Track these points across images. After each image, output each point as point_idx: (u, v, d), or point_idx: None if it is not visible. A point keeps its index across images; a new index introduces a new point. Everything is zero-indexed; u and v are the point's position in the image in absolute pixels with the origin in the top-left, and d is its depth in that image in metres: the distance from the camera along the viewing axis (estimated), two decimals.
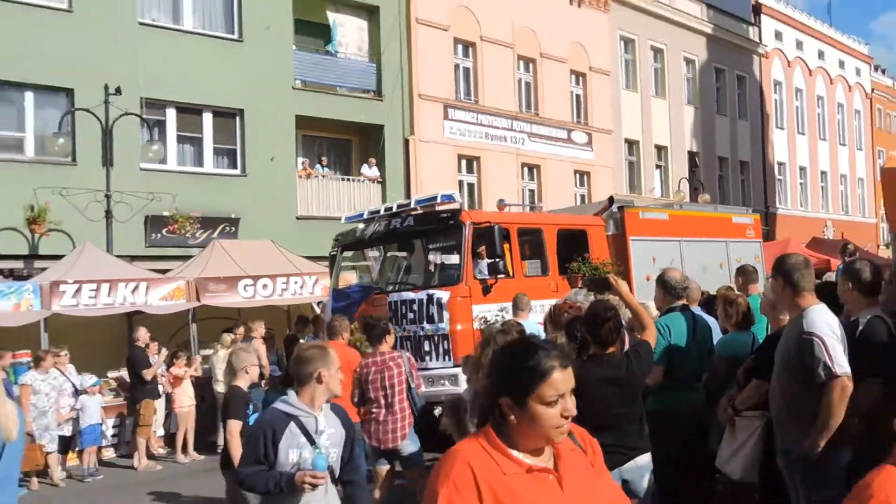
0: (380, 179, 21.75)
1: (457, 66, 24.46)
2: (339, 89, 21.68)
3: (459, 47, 24.57)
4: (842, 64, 43.08)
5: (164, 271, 14.86)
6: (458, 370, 9.30)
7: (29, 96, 16.85)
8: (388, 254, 12.63)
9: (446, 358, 10.02)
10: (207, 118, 19.33)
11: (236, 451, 5.23)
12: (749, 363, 5.45)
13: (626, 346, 5.31)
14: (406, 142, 22.59)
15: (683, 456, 5.70)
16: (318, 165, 21.47)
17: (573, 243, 11.78)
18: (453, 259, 11.57)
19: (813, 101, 40.26)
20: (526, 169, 25.86)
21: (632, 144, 30.01)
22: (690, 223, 13.74)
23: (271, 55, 19.88)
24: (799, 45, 39.69)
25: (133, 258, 15.91)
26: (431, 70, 23.30)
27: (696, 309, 6.86)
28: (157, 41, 18.15)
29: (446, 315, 10.02)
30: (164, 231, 17.03)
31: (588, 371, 4.68)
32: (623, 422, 4.69)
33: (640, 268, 12.13)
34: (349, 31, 22.40)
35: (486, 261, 10.29)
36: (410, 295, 10.51)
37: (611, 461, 4.55)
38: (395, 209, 11.44)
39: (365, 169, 21.75)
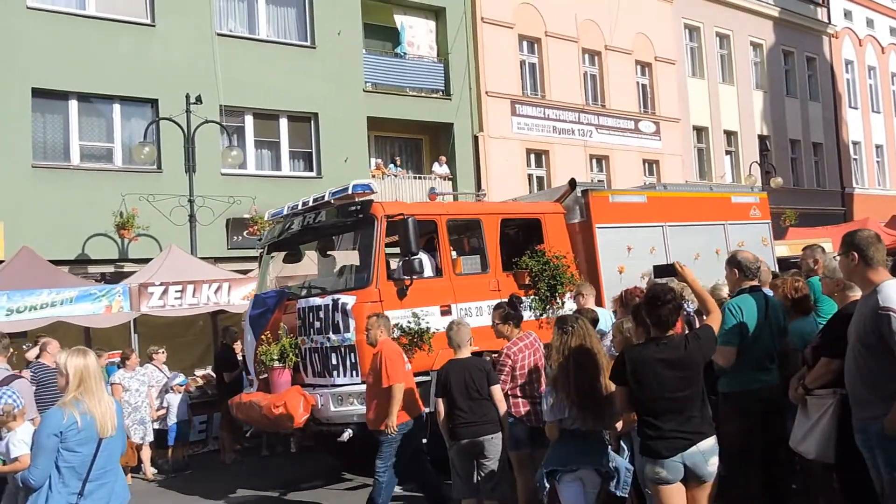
0: (450, 176, 21.53)
1: (522, 63, 24.06)
2: (409, 90, 21.58)
3: (525, 44, 24.17)
4: None
5: (245, 271, 14.92)
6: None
7: (116, 108, 17.19)
8: (305, 254, 10.80)
9: (353, 373, 8.34)
10: (283, 123, 19.43)
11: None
12: (817, 341, 5.20)
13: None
14: (475, 139, 22.32)
15: (758, 436, 5.50)
16: (391, 165, 21.37)
17: (527, 235, 10.30)
18: (368, 258, 9.57)
19: (887, 79, 38.39)
20: (594, 160, 25.29)
21: (700, 131, 29.09)
22: (676, 206, 11.75)
23: (342, 60, 19.89)
24: (870, 23, 37.87)
25: (216, 259, 16.07)
26: (498, 67, 23.00)
27: (767, 290, 6.43)
28: (234, 51, 18.32)
29: (352, 323, 8.32)
30: (244, 233, 17.12)
31: (645, 353, 4.52)
32: (684, 406, 4.45)
33: (611, 258, 10.45)
34: (417, 33, 22.24)
35: (415, 258, 8.68)
36: (317, 300, 8.88)
37: (672, 446, 4.34)
38: (311, 203, 9.63)
39: (436, 167, 21.55)
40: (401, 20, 21.88)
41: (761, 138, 31.03)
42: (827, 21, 35.16)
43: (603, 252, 10.34)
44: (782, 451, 5.58)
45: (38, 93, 16.08)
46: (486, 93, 22.64)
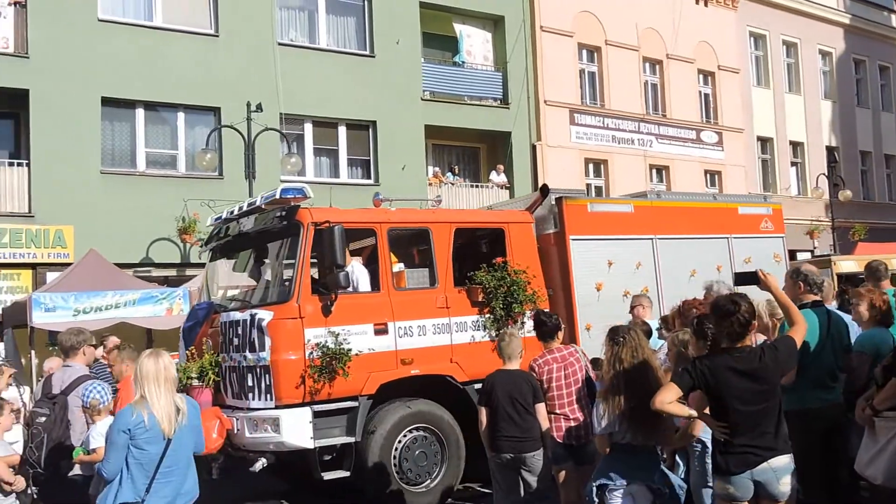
0: (508, 185, 21.53)
1: (581, 71, 23.98)
2: (467, 99, 21.67)
3: (584, 52, 24.09)
4: None
5: None
6: (282, 413, 7.48)
7: (181, 116, 17.71)
8: (237, 262, 9.83)
9: (268, 397, 7.59)
10: (342, 131, 19.72)
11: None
12: (889, 360, 4.92)
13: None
14: (533, 147, 22.29)
15: (817, 457, 5.28)
16: (448, 173, 21.47)
17: (491, 247, 9.23)
18: (292, 269, 8.48)
19: None
20: (654, 170, 25.00)
21: (765, 142, 28.52)
22: (669, 217, 10.41)
23: (401, 69, 20.08)
24: None
25: None
26: (556, 76, 22.96)
27: (831, 306, 6.24)
28: (294, 60, 18.67)
29: (268, 342, 7.58)
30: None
31: (718, 362, 4.36)
32: (758, 420, 4.31)
33: (587, 274, 9.29)
34: (475, 42, 22.34)
35: (340, 272, 7.73)
36: (237, 315, 8.13)
37: (741, 462, 4.23)
38: (246, 207, 8.78)
39: (493, 175, 21.58)
40: (459, 29, 22.00)
41: (829, 150, 30.25)
42: None
43: (577, 267, 9.23)
44: (845, 473, 5.36)
45: (107, 102, 16.66)
46: (545, 101, 22.61)
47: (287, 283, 8.03)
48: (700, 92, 26.69)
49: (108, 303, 12.29)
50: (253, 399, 7.76)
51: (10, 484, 5.61)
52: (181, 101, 17.46)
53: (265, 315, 7.66)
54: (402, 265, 8.73)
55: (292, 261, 8.04)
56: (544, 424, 5.92)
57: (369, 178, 19.89)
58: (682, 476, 5.27)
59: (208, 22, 18.00)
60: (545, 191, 9.58)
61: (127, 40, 16.83)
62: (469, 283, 8.70)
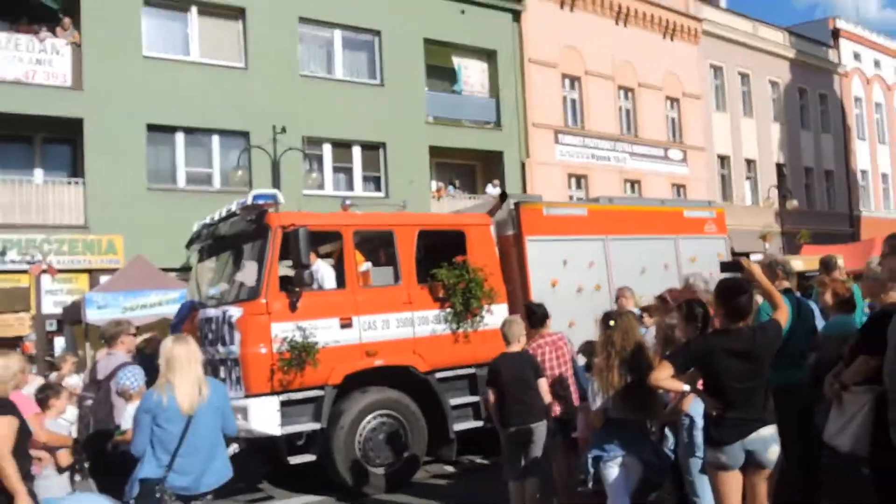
0: None
1: (565, 98, 23.75)
2: (465, 122, 21.40)
3: (567, 81, 23.85)
4: None
5: None
6: (249, 402, 7.06)
7: (215, 139, 17.43)
8: (218, 263, 9.10)
9: (238, 387, 7.23)
10: (356, 151, 19.47)
11: None
12: (855, 341, 4.74)
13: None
14: (522, 164, 22.06)
15: (793, 428, 4.98)
16: (450, 187, 21.25)
17: (453, 248, 8.56)
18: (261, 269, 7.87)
19: (893, 114, 36.98)
20: (628, 184, 24.78)
21: (723, 159, 28.33)
22: (620, 219, 9.87)
23: (407, 96, 19.86)
24: (877, 63, 36.57)
25: None
26: (543, 102, 22.75)
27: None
28: (314, 89, 18.44)
29: (237, 336, 7.23)
30: None
31: (715, 343, 4.09)
32: (748, 396, 4.06)
33: (543, 271, 8.79)
34: (472, 73, 22.13)
35: (305, 270, 7.38)
36: (211, 312, 7.80)
37: (735, 433, 3.95)
38: (224, 213, 8.29)
39: (489, 188, 21.28)
40: (458, 62, 21.78)
41: (778, 166, 30.08)
42: (837, 62, 34.00)
43: (534, 265, 8.72)
44: (814, 448, 5.17)
45: (151, 127, 16.42)
46: (533, 124, 22.39)
47: (257, 282, 7.47)
48: (667, 115, 26.48)
49: (152, 301, 12.15)
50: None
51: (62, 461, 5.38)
52: (215, 126, 17.20)
53: (235, 311, 7.31)
54: (369, 264, 8.33)
55: (259, 261, 7.56)
56: (546, 398, 5.70)
57: (380, 191, 19.65)
58: (672, 448, 5.00)
59: (238, 56, 17.75)
60: (503, 197, 9.15)
61: (168, 73, 16.58)
62: (431, 281, 8.20)
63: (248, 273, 7.89)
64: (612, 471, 4.56)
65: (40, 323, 13.30)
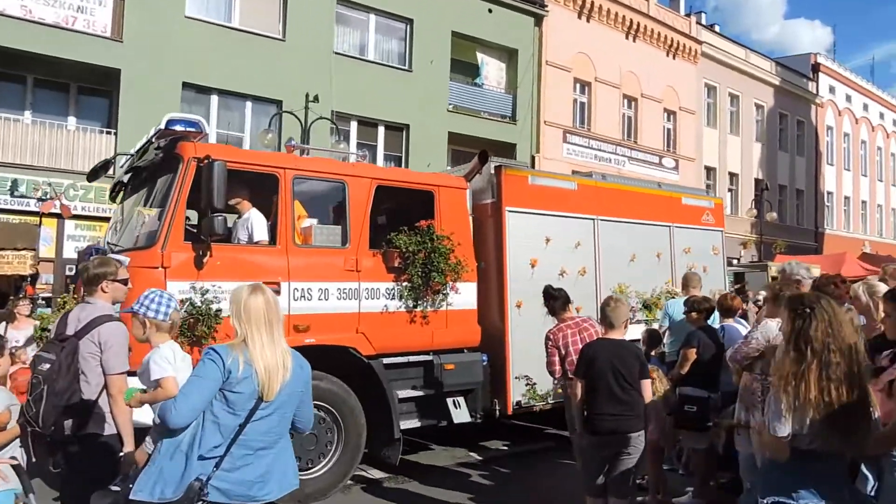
0: None
1: (575, 101, 21.98)
2: (483, 114, 19.60)
3: (578, 85, 22.07)
4: (882, 115, 37.75)
5: None
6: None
7: (248, 105, 15.59)
8: (131, 204, 6.09)
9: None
10: (381, 130, 17.68)
11: None
12: None
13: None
14: (532, 158, 20.28)
15: None
16: None
17: (420, 212, 6.21)
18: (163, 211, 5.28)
19: (857, 144, 35.35)
20: None
21: (710, 171, 26.64)
22: (614, 199, 7.63)
23: (432, 84, 18.07)
24: (848, 98, 34.88)
25: None
26: (555, 102, 20.96)
27: None
28: (346, 67, 16.60)
29: None
30: None
31: None
32: None
33: (522, 248, 6.69)
34: (492, 69, 20.30)
35: (217, 216, 4.95)
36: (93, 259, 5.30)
37: None
38: (144, 142, 5.61)
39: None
40: (481, 57, 19.95)
41: (757, 181, 28.43)
42: (815, 93, 32.35)
43: (512, 239, 6.60)
44: None
45: (186, 86, 14.59)
46: (544, 122, 20.64)
47: (158, 228, 5.05)
48: (664, 126, 24.78)
49: None
50: None
51: None
52: (249, 92, 15.37)
53: (123, 260, 4.36)
54: (313, 221, 5.80)
55: (164, 200, 5.16)
56: (648, 397, 3.99)
57: None
58: (873, 492, 3.07)
59: (277, 28, 15.89)
60: (484, 157, 6.60)
61: (208, 36, 14.73)
62: (386, 247, 5.89)
63: (152, 217, 5.29)
64: None
65: (60, 268, 11.45)
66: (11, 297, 8.15)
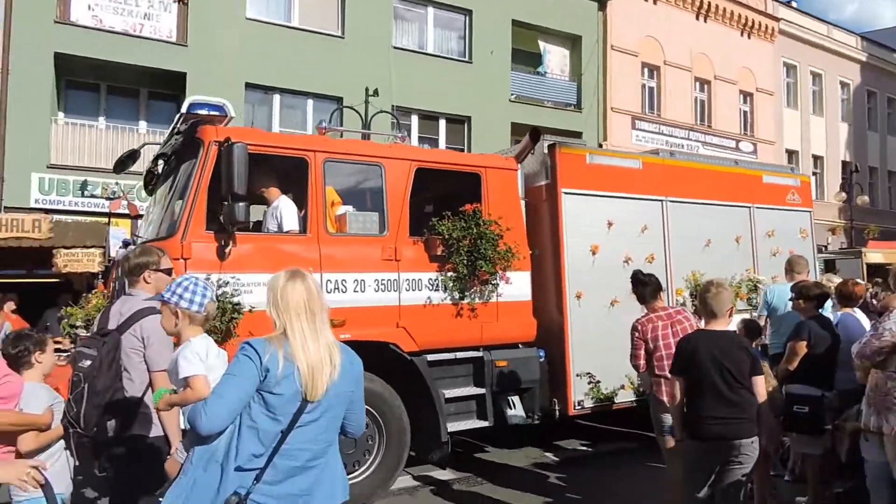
0: None
1: (643, 86, 20.55)
2: (546, 103, 18.56)
3: (646, 70, 20.63)
4: None
5: None
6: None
7: (309, 102, 15.24)
8: (159, 194, 5.70)
9: None
10: (442, 124, 16.97)
11: None
12: None
13: None
14: (600, 146, 18.99)
15: None
16: None
17: (467, 196, 5.50)
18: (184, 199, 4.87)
19: None
20: None
21: (791, 154, 24.42)
22: (685, 178, 6.66)
23: (493, 75, 17.21)
24: None
25: None
26: (622, 88, 19.64)
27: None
28: (406, 61, 16.00)
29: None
30: None
31: None
32: None
33: (581, 234, 5.88)
34: (555, 57, 19.22)
35: (240, 204, 4.38)
36: (124, 252, 4.70)
37: None
38: (171, 128, 5.16)
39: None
40: (543, 45, 18.91)
41: (844, 164, 25.92)
42: None
43: (569, 224, 5.81)
44: None
45: (249, 86, 14.36)
46: (611, 109, 19.36)
47: (179, 217, 4.61)
48: (740, 109, 22.88)
49: None
50: None
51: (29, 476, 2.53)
52: (310, 90, 15.01)
53: (164, 250, 3.91)
54: (349, 208, 5.22)
55: (185, 188, 4.68)
56: (761, 397, 3.05)
57: None
58: None
59: (336, 26, 15.47)
60: (535, 136, 5.79)
61: (269, 36, 14.46)
62: (428, 234, 5.26)
63: (175, 206, 4.82)
64: None
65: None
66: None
